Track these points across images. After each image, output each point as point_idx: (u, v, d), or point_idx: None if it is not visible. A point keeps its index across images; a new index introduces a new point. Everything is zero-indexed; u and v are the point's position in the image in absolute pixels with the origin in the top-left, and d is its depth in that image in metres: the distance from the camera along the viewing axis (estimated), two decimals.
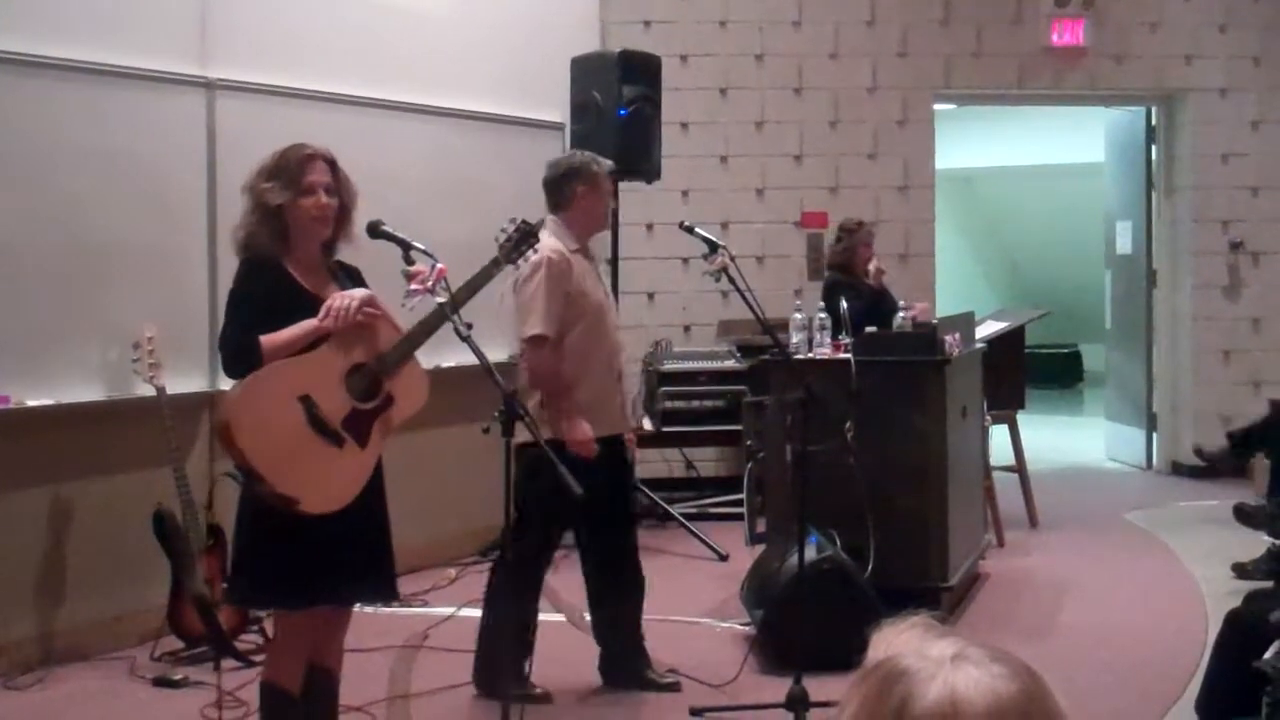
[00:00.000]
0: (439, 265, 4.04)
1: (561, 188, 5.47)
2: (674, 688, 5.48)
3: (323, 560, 3.94)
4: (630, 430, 5.67)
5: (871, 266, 8.11)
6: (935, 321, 7.12)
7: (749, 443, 8.33)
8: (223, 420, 3.90)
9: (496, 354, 5.96)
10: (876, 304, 7.69)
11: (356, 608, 4.33)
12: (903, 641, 1.36)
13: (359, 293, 3.97)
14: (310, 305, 3.94)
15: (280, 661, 4.13)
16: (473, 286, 4.21)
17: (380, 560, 4.15)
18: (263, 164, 4.02)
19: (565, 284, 5.25)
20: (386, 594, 4.26)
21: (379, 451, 4.04)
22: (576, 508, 4.62)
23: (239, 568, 4.11)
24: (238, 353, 3.91)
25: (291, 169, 3.98)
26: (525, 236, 4.35)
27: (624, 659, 5.54)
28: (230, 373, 3.99)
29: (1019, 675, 1.31)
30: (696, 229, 5.52)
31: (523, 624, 5.21)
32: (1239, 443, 8.09)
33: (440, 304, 4.00)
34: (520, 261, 4.45)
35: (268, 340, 3.88)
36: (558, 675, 5.56)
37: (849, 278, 8.15)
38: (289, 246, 4.01)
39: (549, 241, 5.13)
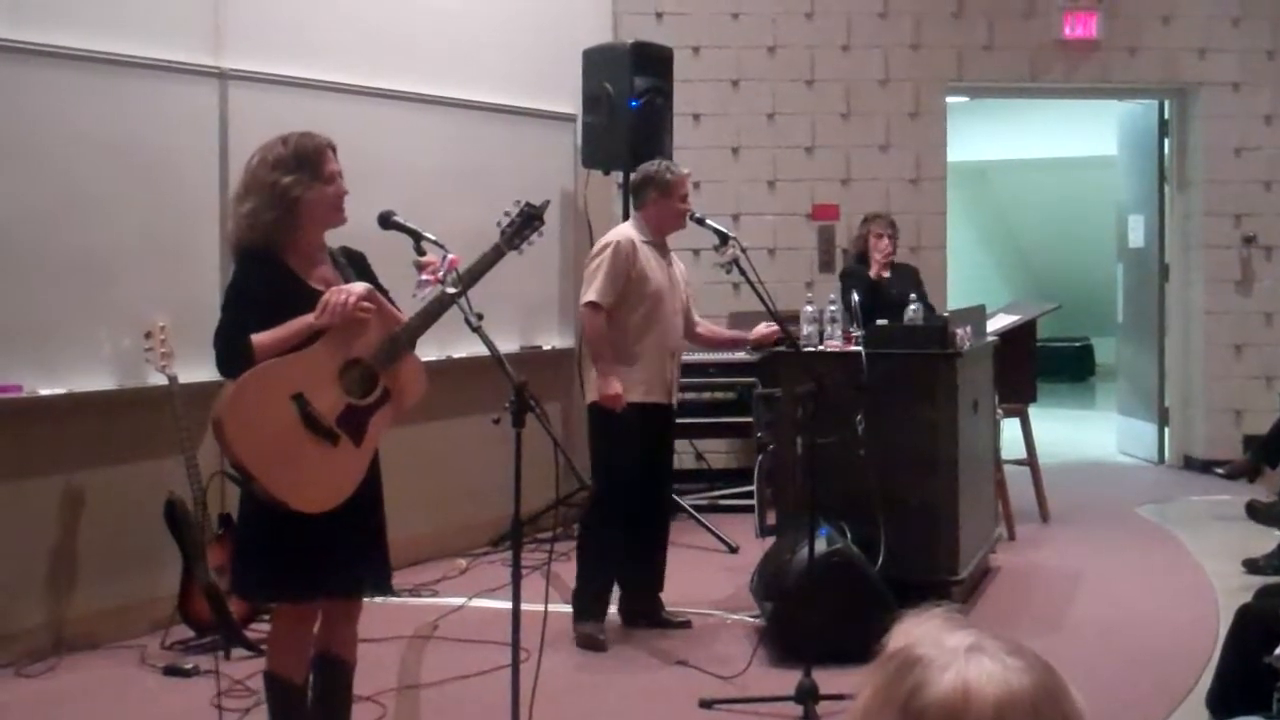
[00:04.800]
0: (450, 256, 4.03)
1: (639, 191, 6.24)
2: (686, 625, 6.23)
3: (318, 553, 3.92)
4: (675, 401, 6.30)
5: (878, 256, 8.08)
6: (946, 314, 7.11)
7: (759, 434, 8.31)
8: (216, 420, 3.88)
9: (507, 344, 5.98)
10: (875, 294, 7.70)
11: (365, 598, 4.33)
12: (921, 632, 1.36)
13: (356, 287, 3.90)
14: (310, 298, 3.89)
15: (280, 652, 4.13)
16: (475, 273, 4.18)
17: (375, 552, 4.13)
18: (275, 156, 3.94)
19: (628, 266, 5.96)
20: (381, 586, 4.24)
21: (375, 447, 4.01)
22: (635, 457, 5.93)
23: (240, 561, 4.13)
24: (230, 352, 3.86)
25: (313, 160, 3.95)
26: (529, 220, 4.29)
27: (641, 602, 6.27)
28: (223, 371, 3.93)
29: (1034, 669, 1.31)
30: (707, 220, 5.53)
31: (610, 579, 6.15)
32: (1260, 454, 8.12)
33: (442, 291, 3.96)
34: (524, 247, 4.41)
35: (260, 339, 3.83)
36: (568, 664, 5.57)
37: (861, 268, 8.17)
38: (294, 239, 3.98)
39: (626, 229, 6.19)
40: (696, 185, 9.55)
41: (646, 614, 6.25)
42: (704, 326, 6.44)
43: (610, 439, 6.00)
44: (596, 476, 5.99)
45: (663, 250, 6.18)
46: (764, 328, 6.20)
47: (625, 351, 6.00)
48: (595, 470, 6.07)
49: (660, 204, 6.12)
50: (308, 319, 3.86)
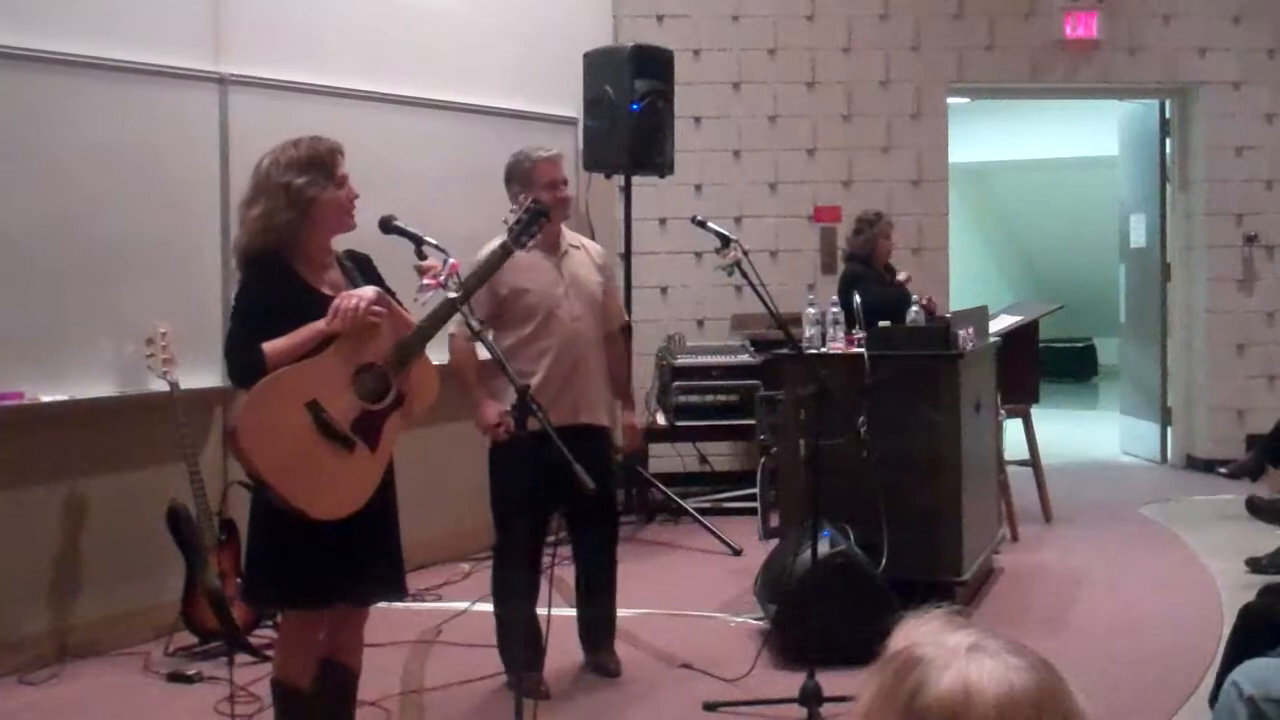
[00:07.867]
0: (451, 260, 4.03)
1: (507, 189, 5.47)
2: (608, 673, 5.56)
3: (334, 560, 3.91)
4: (597, 419, 5.49)
5: (901, 276, 8.26)
6: (948, 315, 7.11)
7: (762, 437, 8.32)
8: (232, 430, 3.88)
9: None
10: (898, 300, 7.66)
11: (380, 604, 4.31)
12: (922, 632, 1.36)
13: (367, 292, 3.90)
14: (320, 304, 3.88)
15: (288, 659, 4.11)
16: (483, 274, 4.19)
17: (389, 558, 4.12)
18: (288, 158, 3.92)
19: (495, 285, 5.13)
20: (395, 592, 4.22)
21: (390, 452, 4.00)
22: (523, 490, 4.71)
23: (252, 569, 4.08)
24: (243, 362, 3.85)
25: (326, 162, 3.95)
26: (535, 217, 4.29)
27: (588, 646, 5.69)
28: (237, 381, 3.94)
29: (1035, 669, 1.30)
30: (709, 223, 5.51)
31: (529, 623, 5.16)
32: (1262, 453, 8.12)
33: (450, 297, 3.98)
34: (530, 243, 4.38)
35: (272, 347, 3.81)
36: (571, 668, 5.58)
37: (870, 270, 8.18)
38: (303, 244, 3.97)
39: (495, 240, 4.56)
40: (698, 188, 9.61)
41: (591, 661, 5.70)
42: (613, 349, 5.65)
43: (496, 469, 5.34)
44: (493, 514, 5.43)
45: (552, 249, 5.43)
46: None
47: (523, 373, 4.85)
48: (491, 508, 5.43)
49: (524, 197, 5.02)
50: (319, 325, 3.85)
